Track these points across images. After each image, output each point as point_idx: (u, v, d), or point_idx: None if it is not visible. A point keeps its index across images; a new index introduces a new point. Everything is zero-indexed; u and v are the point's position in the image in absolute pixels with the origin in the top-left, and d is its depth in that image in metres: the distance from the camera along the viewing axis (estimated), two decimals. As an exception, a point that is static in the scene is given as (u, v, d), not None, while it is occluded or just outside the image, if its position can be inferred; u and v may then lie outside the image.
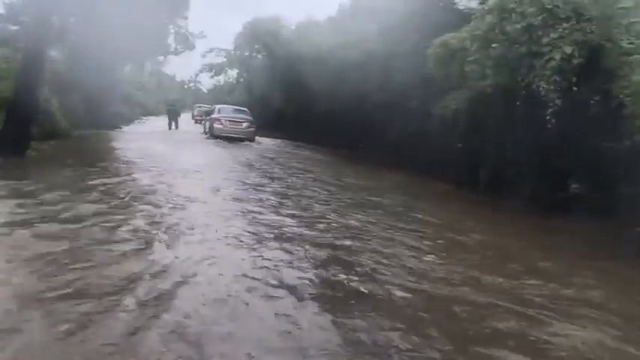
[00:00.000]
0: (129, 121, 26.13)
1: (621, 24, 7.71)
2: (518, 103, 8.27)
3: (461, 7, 15.11)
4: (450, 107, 12.73)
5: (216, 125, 17.83)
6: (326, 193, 8.62)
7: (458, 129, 12.48)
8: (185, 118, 30.53)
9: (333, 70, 18.07)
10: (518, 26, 7.93)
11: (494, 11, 8.29)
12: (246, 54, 28.15)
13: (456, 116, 12.47)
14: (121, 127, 21.54)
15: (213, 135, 17.92)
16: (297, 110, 26.45)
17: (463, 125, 11.82)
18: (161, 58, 27.11)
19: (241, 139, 17.64)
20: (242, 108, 20.76)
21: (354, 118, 19.02)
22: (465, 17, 15.00)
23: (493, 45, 8.19)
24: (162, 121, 29.40)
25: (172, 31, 23.46)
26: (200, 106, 35.33)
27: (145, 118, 30.62)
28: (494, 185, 10.34)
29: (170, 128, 22.46)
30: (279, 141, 22.88)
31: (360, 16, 16.70)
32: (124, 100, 27.25)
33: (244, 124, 18.16)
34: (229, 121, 17.96)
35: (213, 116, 18.66)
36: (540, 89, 7.74)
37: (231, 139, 17.25)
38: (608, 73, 7.68)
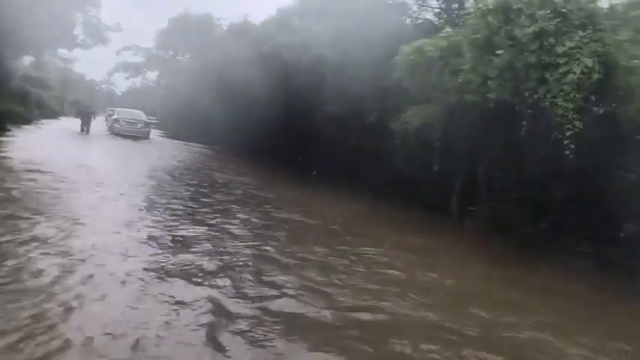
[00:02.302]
0: (25, 122, 21.50)
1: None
2: (524, 122, 6.75)
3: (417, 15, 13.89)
4: (412, 123, 11.23)
5: (116, 125, 21.69)
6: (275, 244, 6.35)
7: (425, 149, 11.01)
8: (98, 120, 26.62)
9: (276, 75, 15.88)
10: (529, 31, 6.47)
11: (498, 11, 6.77)
12: (170, 54, 24.78)
13: (420, 134, 10.99)
14: (8, 130, 17.28)
15: (113, 133, 21.36)
16: (230, 118, 23.72)
17: (433, 145, 10.37)
18: (65, 51, 22.85)
19: (136, 137, 21.25)
20: (138, 111, 24.72)
21: (298, 130, 16.94)
22: (423, 27, 13.95)
23: (498, 52, 6.65)
24: (65, 124, 25.19)
25: (81, 20, 19.65)
26: (112, 110, 30.67)
27: (45, 120, 25.70)
28: (481, 223, 8.82)
29: (82, 131, 20.87)
30: (196, 154, 20.11)
31: (308, 17, 14.73)
32: (17, 98, 22.46)
33: (139, 125, 22.26)
34: (126, 122, 21.78)
35: (113, 117, 22.47)
36: (555, 107, 6.31)
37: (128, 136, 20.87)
38: (622, 92, 6.51)
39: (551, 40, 6.45)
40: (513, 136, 7.24)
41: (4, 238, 4.60)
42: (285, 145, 19.38)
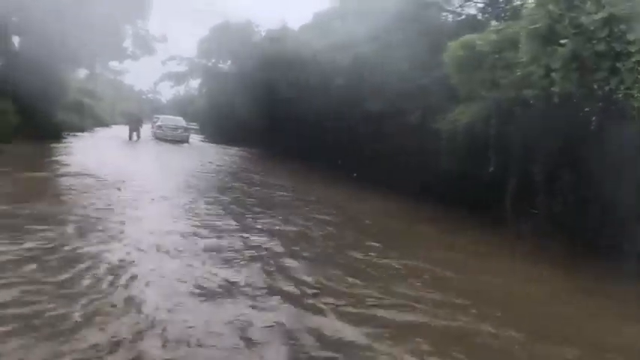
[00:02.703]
0: (79, 130, 22.49)
1: None
2: (593, 118, 6.14)
3: (460, 11, 13.27)
4: (460, 122, 10.66)
5: (158, 131, 23.61)
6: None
7: (474, 148, 10.43)
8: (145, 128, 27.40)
9: (315, 78, 15.67)
10: (597, 17, 5.87)
11: (560, -2, 6.20)
12: (212, 61, 25.17)
13: (469, 132, 10.41)
14: (65, 138, 18.07)
15: (156, 137, 23.13)
16: (268, 122, 23.81)
17: (484, 143, 9.78)
18: (116, 63, 23.69)
19: (177, 141, 22.93)
20: (179, 118, 27.11)
21: (338, 132, 16.66)
22: (467, 22, 13.32)
23: (562, 41, 6.08)
24: (116, 132, 26.18)
25: (130, 32, 20.25)
26: (158, 117, 31.64)
27: (97, 128, 26.82)
28: (539, 226, 8.18)
29: (131, 139, 21.37)
30: (237, 156, 20.16)
31: (347, 18, 14.44)
32: (72, 109, 23.52)
33: (179, 130, 24.22)
34: (168, 127, 23.72)
35: (156, 124, 24.37)
36: (630, 99, 5.68)
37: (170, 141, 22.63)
38: None
39: (623, 27, 5.81)
40: (578, 131, 6.62)
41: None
42: (325, 148, 19.16)
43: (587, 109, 6.30)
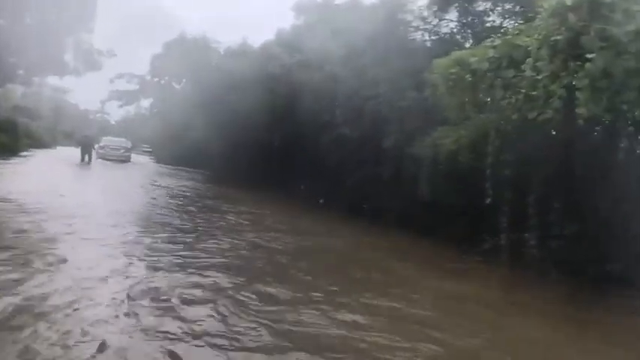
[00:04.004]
0: (11, 152, 19.57)
1: None
2: (621, 144, 5.17)
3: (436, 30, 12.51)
4: (443, 147, 9.63)
5: (101, 151, 23.30)
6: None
7: (456, 176, 9.42)
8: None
9: (280, 98, 14.33)
10: (630, 29, 4.97)
11: (582, 7, 5.27)
12: (165, 79, 23.22)
13: (454, 159, 9.40)
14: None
15: (99, 157, 22.65)
16: (226, 144, 22.09)
17: (471, 171, 8.79)
18: (57, 79, 21.22)
19: (120, 161, 23.58)
20: (122, 139, 27.70)
21: (302, 156, 15.31)
22: (442, 42, 12.59)
23: (589, 55, 5.11)
24: (59, 154, 23.73)
25: (72, 45, 18.05)
26: (111, 139, 29.72)
27: (33, 150, 23.79)
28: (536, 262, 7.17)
29: (82, 161, 20.04)
30: (190, 183, 18.35)
31: (315, 36, 13.30)
32: (3, 128, 20.61)
33: (121, 151, 24.69)
34: (110, 148, 24.10)
35: (99, 144, 23.91)
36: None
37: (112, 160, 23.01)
38: None
39: (656, 40, 4.94)
40: (601, 158, 5.65)
41: None
42: (287, 172, 17.75)
43: (613, 134, 5.29)
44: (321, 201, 16.43)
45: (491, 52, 7.13)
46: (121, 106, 31.10)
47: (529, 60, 6.26)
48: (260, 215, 11.09)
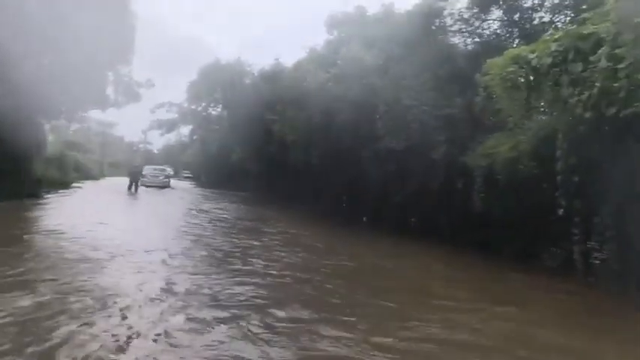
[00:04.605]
0: (63, 186, 20.26)
1: None
2: None
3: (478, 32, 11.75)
4: (503, 155, 8.73)
5: (143, 179, 24.46)
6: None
7: (516, 185, 8.51)
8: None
9: (317, 115, 13.90)
10: None
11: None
12: (202, 105, 23.55)
13: (513, 167, 8.52)
14: (42, 197, 15.87)
15: (142, 184, 23.55)
16: (264, 164, 21.97)
17: (534, 180, 7.89)
18: (101, 112, 21.92)
19: (159, 187, 25.55)
20: (162, 167, 31.12)
21: (343, 173, 14.73)
22: (485, 44, 11.81)
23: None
24: (106, 185, 24.68)
25: (112, 79, 18.53)
26: (152, 168, 31.66)
27: (81, 183, 24.60)
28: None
29: (129, 190, 21.34)
30: (228, 205, 18.21)
31: (350, 49, 12.85)
32: (54, 163, 21.45)
33: (161, 177, 27.17)
34: (151, 175, 26.31)
35: (142, 173, 25.01)
36: None
37: (154, 187, 25.05)
38: None
39: None
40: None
41: None
42: (327, 189, 17.21)
43: None
44: (364, 219, 15.74)
45: (553, 46, 6.33)
46: (162, 134, 31.96)
47: (603, 49, 5.46)
48: (296, 235, 10.60)
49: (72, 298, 4.35)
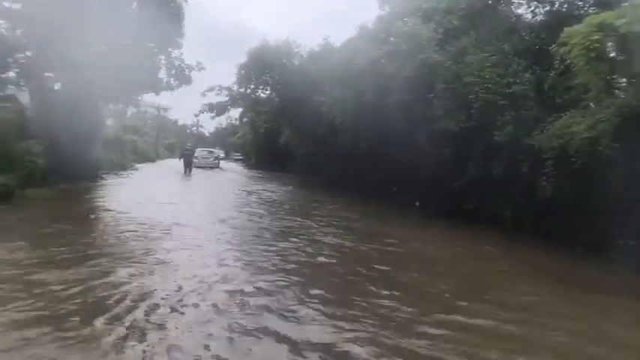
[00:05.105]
0: (121, 168, 21.22)
1: None
2: None
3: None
4: (579, 135, 7.79)
5: (195, 160, 25.40)
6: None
7: (594, 169, 7.59)
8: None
9: (368, 94, 13.28)
10: None
11: None
12: (251, 88, 23.53)
13: (591, 149, 7.59)
14: (102, 178, 16.61)
15: (194, 166, 24.57)
16: (312, 146, 21.71)
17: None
18: (152, 94, 22.39)
19: (210, 167, 28.42)
20: (212, 149, 35.25)
21: (394, 156, 14.08)
22: (555, 15, 10.63)
23: None
24: (161, 168, 25.64)
25: (164, 62, 18.81)
26: (203, 150, 33.05)
27: (138, 165, 25.62)
28: None
29: (185, 173, 21.86)
30: (277, 187, 18.15)
31: (405, 24, 12.02)
32: (112, 146, 22.44)
33: (211, 159, 29.96)
34: (202, 157, 28.68)
35: (194, 155, 26.07)
36: None
37: (205, 168, 27.36)
38: None
39: None
40: None
41: None
42: (376, 172, 16.61)
43: None
44: (417, 203, 15.04)
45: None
46: (213, 117, 32.47)
47: None
48: (348, 219, 10.24)
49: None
